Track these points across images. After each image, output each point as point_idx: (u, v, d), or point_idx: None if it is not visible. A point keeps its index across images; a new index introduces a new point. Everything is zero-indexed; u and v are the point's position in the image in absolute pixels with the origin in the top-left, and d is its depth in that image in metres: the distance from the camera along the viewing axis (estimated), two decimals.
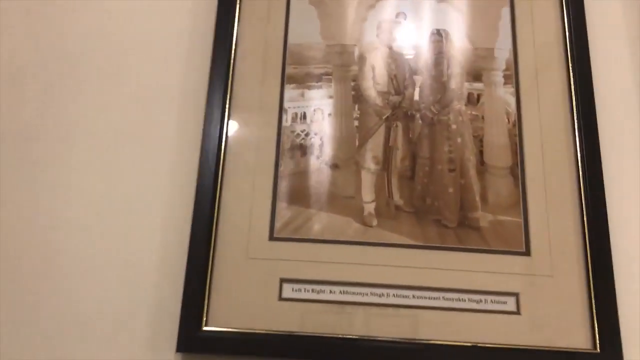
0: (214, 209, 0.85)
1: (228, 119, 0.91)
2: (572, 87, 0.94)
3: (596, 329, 0.81)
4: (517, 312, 0.83)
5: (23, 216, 0.87)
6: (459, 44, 0.96)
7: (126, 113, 0.93)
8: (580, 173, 0.89)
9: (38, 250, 0.85)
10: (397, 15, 0.98)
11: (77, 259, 0.85)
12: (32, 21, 0.97)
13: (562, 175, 0.90)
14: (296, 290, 0.83)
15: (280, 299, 0.82)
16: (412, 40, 0.97)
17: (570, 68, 0.95)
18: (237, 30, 0.95)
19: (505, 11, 0.99)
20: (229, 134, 0.90)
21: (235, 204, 0.87)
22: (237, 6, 0.96)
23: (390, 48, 0.96)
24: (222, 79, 0.92)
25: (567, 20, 0.98)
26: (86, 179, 0.89)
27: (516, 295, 0.83)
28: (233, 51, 0.94)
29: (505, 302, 0.83)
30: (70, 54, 0.95)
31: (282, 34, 0.96)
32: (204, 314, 0.80)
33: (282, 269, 0.84)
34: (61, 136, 0.91)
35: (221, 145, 0.89)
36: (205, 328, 0.80)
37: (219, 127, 0.89)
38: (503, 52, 0.96)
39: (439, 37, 0.96)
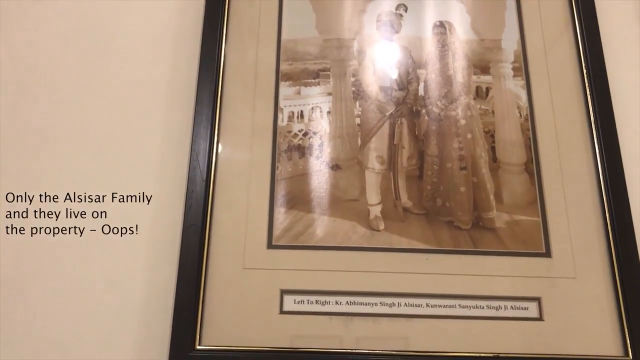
0: (206, 215, 0.80)
1: (219, 118, 0.85)
2: (586, 77, 0.90)
3: (627, 334, 0.77)
4: (540, 318, 0.78)
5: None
6: (464, 36, 0.93)
7: (113, 102, 0.89)
8: (600, 166, 0.85)
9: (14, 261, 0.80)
10: (397, 7, 0.94)
11: (57, 272, 0.80)
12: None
13: (580, 169, 0.86)
14: (298, 302, 0.77)
15: (281, 312, 0.77)
16: (414, 32, 0.93)
17: (582, 57, 0.91)
18: (227, 25, 0.91)
19: (511, 1, 0.96)
20: (220, 135, 0.85)
21: (229, 210, 0.82)
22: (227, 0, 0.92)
23: (392, 41, 0.92)
24: (211, 73, 0.87)
25: (576, 8, 0.94)
26: (73, 185, 0.84)
27: (538, 300, 0.79)
28: (224, 45, 0.89)
29: (526, 308, 0.79)
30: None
31: (275, 28, 0.92)
32: (197, 332, 0.75)
33: (282, 280, 0.78)
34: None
35: (212, 146, 0.84)
36: (198, 347, 0.74)
37: (209, 127, 0.85)
38: (511, 44, 0.93)
39: (443, 29, 0.93)
